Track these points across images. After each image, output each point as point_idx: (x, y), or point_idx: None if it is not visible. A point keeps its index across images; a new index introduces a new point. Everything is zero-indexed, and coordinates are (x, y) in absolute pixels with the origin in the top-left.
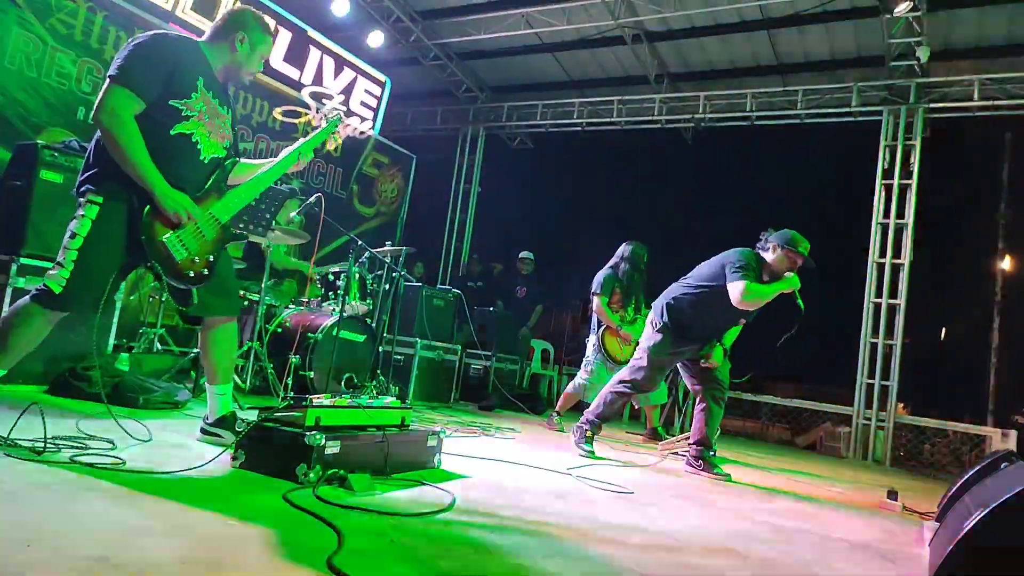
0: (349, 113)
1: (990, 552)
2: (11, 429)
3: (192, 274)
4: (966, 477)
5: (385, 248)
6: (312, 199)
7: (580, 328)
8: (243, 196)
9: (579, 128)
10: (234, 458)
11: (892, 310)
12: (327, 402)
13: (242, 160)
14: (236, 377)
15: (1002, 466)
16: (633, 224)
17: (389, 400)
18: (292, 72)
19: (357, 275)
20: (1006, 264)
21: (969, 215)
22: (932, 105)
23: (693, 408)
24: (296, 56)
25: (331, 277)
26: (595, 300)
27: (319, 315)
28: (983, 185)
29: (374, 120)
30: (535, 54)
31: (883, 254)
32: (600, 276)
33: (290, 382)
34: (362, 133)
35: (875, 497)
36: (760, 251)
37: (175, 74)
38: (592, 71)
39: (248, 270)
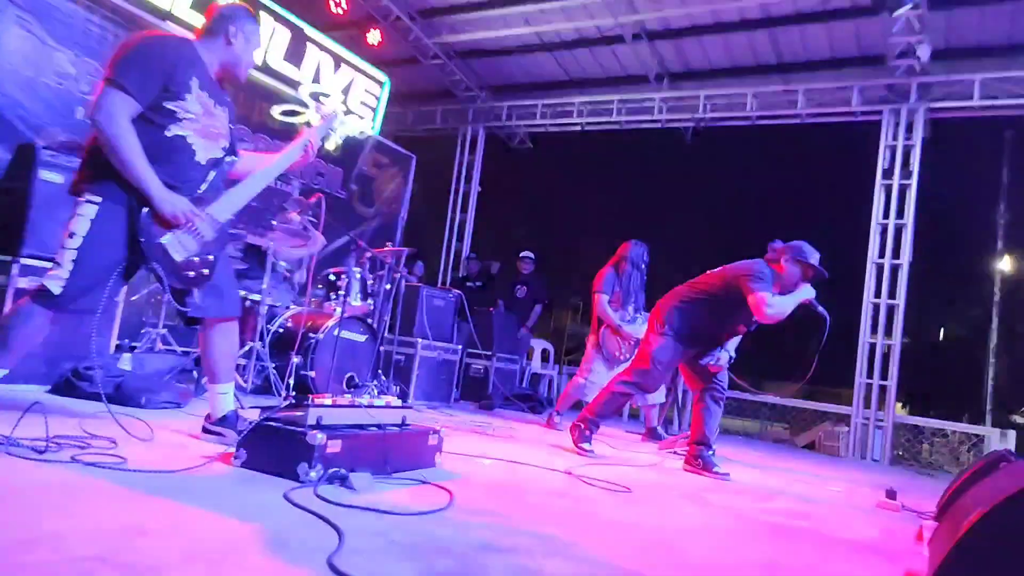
0: (348, 112)
1: (989, 552)
2: (13, 428)
3: (192, 274)
4: (965, 476)
5: (386, 248)
6: (313, 199)
7: (580, 327)
8: (241, 196)
9: (579, 128)
10: (235, 457)
11: (891, 310)
12: (328, 401)
13: (244, 154)
14: (238, 377)
15: (1000, 465)
16: (633, 223)
17: (390, 400)
18: (291, 71)
19: (358, 275)
20: (1006, 264)
21: (969, 215)
22: (933, 105)
23: (692, 407)
24: (295, 55)
25: (332, 277)
26: (596, 298)
27: (320, 315)
28: (983, 185)
29: (373, 119)
30: (535, 53)
31: (883, 254)
32: (601, 274)
33: (291, 382)
34: (362, 133)
35: (874, 497)
36: (770, 262)
37: (170, 76)
38: (592, 70)
39: (248, 270)
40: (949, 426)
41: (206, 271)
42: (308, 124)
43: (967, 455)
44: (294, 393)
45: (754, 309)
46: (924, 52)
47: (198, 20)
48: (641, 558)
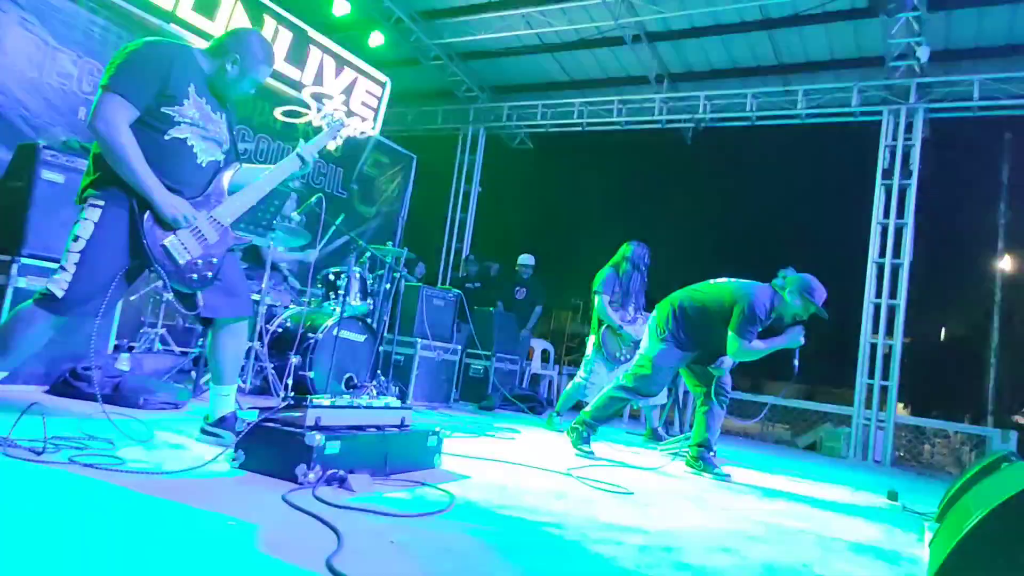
0: (350, 113)
1: (990, 553)
2: (11, 429)
3: (195, 278)
4: (966, 477)
5: (386, 249)
6: (313, 199)
7: (580, 327)
8: (246, 199)
9: (579, 128)
10: (234, 458)
11: (892, 310)
12: (327, 402)
13: (244, 166)
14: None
15: (1002, 466)
16: (633, 224)
17: (389, 400)
18: (292, 72)
19: (358, 275)
20: (1006, 264)
21: (969, 215)
22: (932, 105)
23: (694, 408)
24: (296, 56)
25: (331, 276)
26: (596, 299)
27: (319, 315)
28: (983, 185)
29: (374, 120)
30: (535, 54)
31: (883, 254)
32: (601, 275)
33: (290, 382)
34: (362, 133)
35: (875, 497)
36: (777, 289)
37: (167, 81)
38: (592, 71)
39: (248, 270)
40: (950, 427)
41: (209, 273)
42: (310, 125)
43: (969, 456)
44: (293, 394)
45: (728, 345)
46: (923, 53)
47: (201, 22)
48: (641, 558)
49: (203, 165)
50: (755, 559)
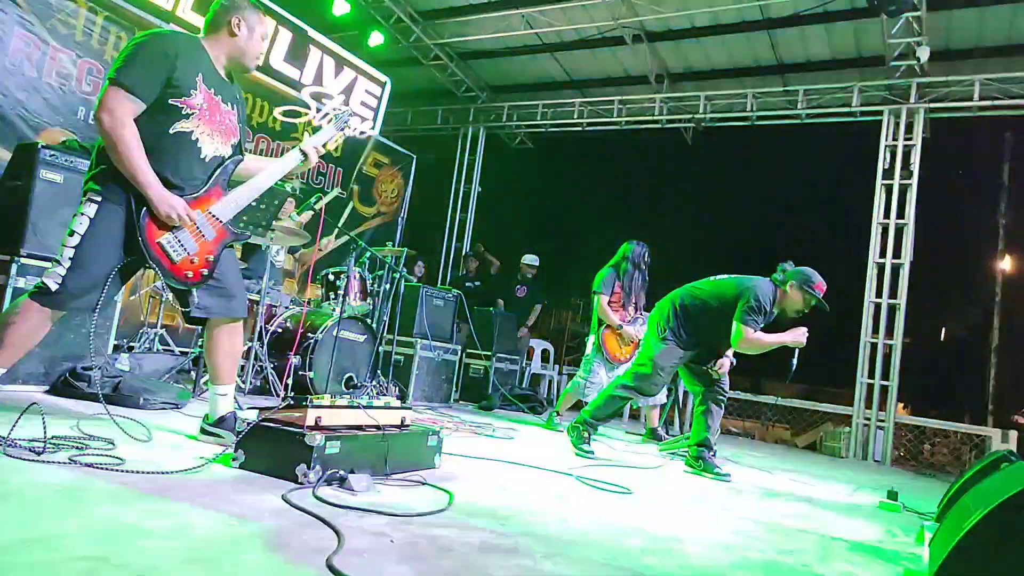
0: (351, 114)
1: (990, 552)
2: (11, 429)
3: (190, 275)
4: (966, 477)
5: (386, 249)
6: (312, 199)
7: (580, 327)
8: (244, 196)
9: (579, 128)
10: (234, 458)
11: (892, 310)
12: (327, 402)
13: (249, 156)
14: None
15: (1001, 466)
16: (633, 224)
17: (389, 400)
18: (292, 72)
19: (358, 275)
20: (1006, 264)
21: (969, 215)
22: (932, 105)
23: (693, 409)
24: (296, 56)
25: (331, 277)
26: (596, 298)
27: (319, 315)
28: (983, 185)
29: (374, 120)
30: (535, 54)
31: (883, 254)
32: (601, 274)
33: (290, 382)
34: (362, 133)
35: (875, 497)
36: (777, 283)
37: (173, 73)
38: (592, 71)
39: (246, 270)
40: (950, 426)
41: (205, 271)
42: (310, 125)
43: (969, 455)
44: (292, 394)
45: (733, 335)
46: (924, 53)
47: (201, 21)
48: (641, 558)
49: (206, 159)
50: (755, 559)
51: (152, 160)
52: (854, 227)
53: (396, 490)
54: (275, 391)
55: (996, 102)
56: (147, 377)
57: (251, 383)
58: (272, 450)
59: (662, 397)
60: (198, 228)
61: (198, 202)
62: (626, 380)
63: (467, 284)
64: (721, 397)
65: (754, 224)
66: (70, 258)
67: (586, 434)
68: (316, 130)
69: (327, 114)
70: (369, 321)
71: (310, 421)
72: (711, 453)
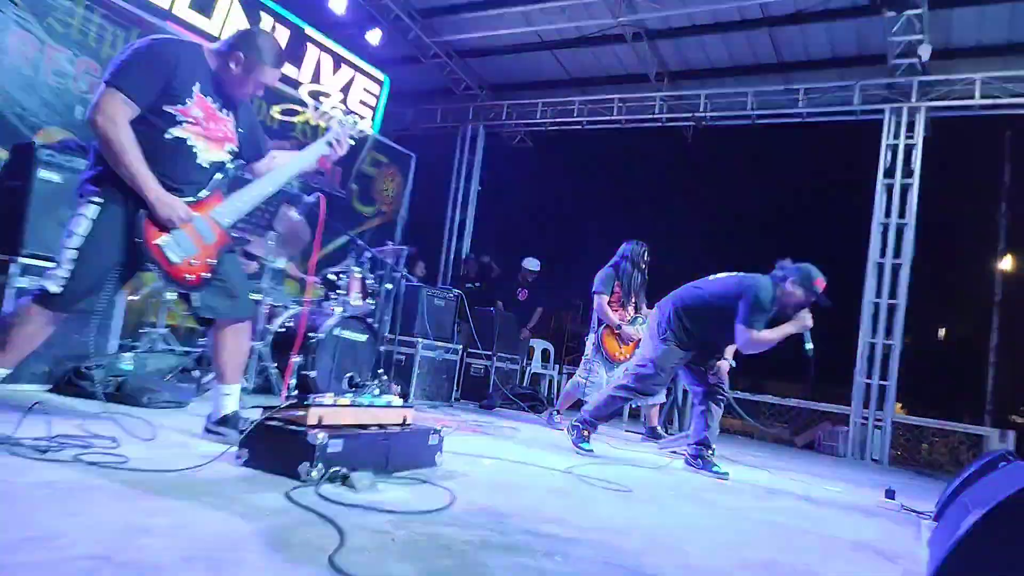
0: (348, 112)
1: (989, 552)
2: (16, 428)
3: (190, 278)
4: (964, 476)
5: (386, 248)
6: (312, 199)
7: (580, 327)
8: (247, 200)
9: (579, 126)
10: (238, 456)
11: (891, 310)
12: (329, 401)
13: (270, 152)
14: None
15: (1000, 465)
16: (633, 223)
17: (391, 399)
18: (290, 70)
19: (358, 275)
20: (1006, 264)
21: (969, 215)
22: (933, 104)
23: (693, 408)
24: (294, 54)
25: (331, 277)
26: (596, 298)
27: (321, 315)
28: (983, 185)
29: (373, 119)
30: (535, 52)
31: (883, 253)
32: (600, 274)
33: (292, 382)
34: (361, 132)
35: (873, 496)
36: (777, 281)
37: (170, 79)
38: (592, 69)
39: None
40: (949, 426)
41: (206, 275)
42: (308, 123)
43: (967, 455)
44: (295, 393)
45: (738, 337)
46: (925, 51)
47: (198, 20)
48: (641, 557)
49: (204, 165)
50: (754, 558)
51: (150, 164)
52: (854, 227)
53: (398, 488)
54: (278, 390)
55: (997, 100)
56: (150, 376)
57: (254, 382)
58: (275, 449)
59: (661, 396)
60: (198, 231)
61: (198, 206)
62: (627, 381)
63: (467, 285)
64: (721, 397)
65: (754, 223)
66: (71, 260)
67: (586, 433)
68: (316, 128)
69: (325, 112)
70: (370, 320)
71: (312, 420)
72: (710, 452)
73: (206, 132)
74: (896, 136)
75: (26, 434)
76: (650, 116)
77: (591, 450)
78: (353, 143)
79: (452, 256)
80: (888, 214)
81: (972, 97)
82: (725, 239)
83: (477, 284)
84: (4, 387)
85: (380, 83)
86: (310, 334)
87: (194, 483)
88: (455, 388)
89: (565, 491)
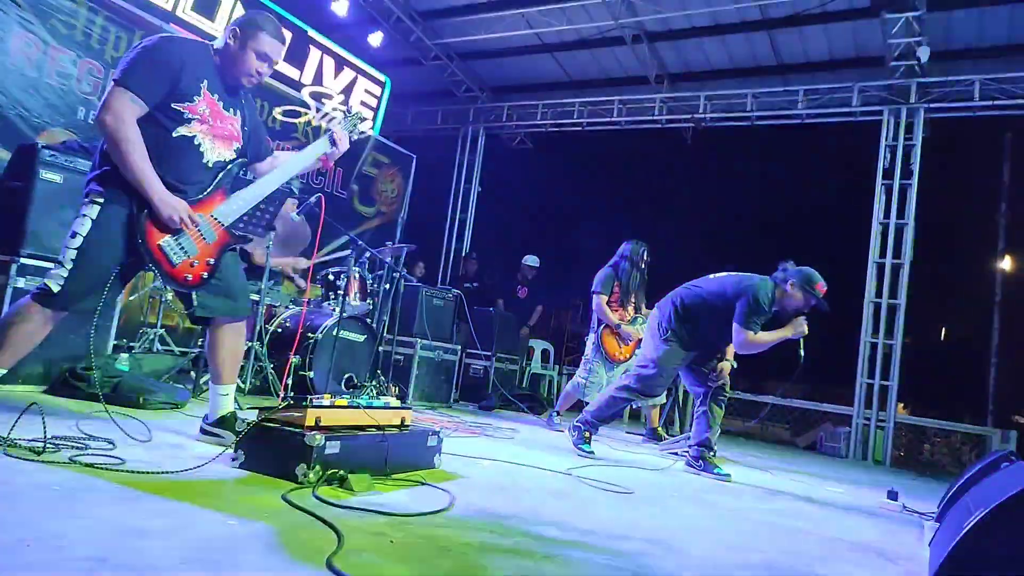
0: (349, 111)
1: (990, 552)
2: (11, 429)
3: (189, 278)
4: (966, 477)
5: (386, 248)
6: (312, 199)
7: (580, 327)
8: (249, 199)
9: (579, 128)
10: (234, 458)
11: (892, 310)
12: (327, 402)
13: (273, 153)
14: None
15: (1002, 466)
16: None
17: (389, 400)
18: (292, 72)
19: (357, 275)
20: (1006, 264)
21: (969, 215)
22: (932, 105)
23: (693, 408)
24: (296, 56)
25: (331, 277)
26: (595, 298)
27: (319, 315)
28: (983, 185)
29: (374, 120)
30: (535, 54)
31: (883, 254)
32: (600, 274)
33: (290, 382)
34: (362, 133)
35: (875, 497)
36: (778, 282)
37: (178, 77)
38: (592, 71)
39: (246, 270)
40: (951, 426)
41: (205, 274)
42: (309, 125)
43: (969, 455)
44: (292, 394)
45: (734, 338)
46: (924, 53)
47: (201, 21)
48: (642, 558)
49: (209, 164)
50: (755, 559)
51: (155, 163)
52: (854, 227)
53: (396, 490)
54: (275, 391)
55: (996, 102)
56: (147, 377)
57: (251, 383)
58: (272, 450)
59: (662, 397)
60: (199, 231)
61: (201, 205)
62: (630, 382)
63: (466, 285)
64: (721, 398)
65: (754, 224)
66: (72, 259)
67: (588, 434)
68: (317, 129)
69: (327, 114)
70: (369, 321)
71: (310, 421)
72: (712, 453)
73: (213, 130)
74: (895, 137)
75: (22, 435)
76: (650, 118)
77: (592, 451)
78: (361, 135)
79: (452, 257)
80: (888, 215)
81: (971, 98)
82: (725, 240)
83: (475, 284)
84: (0, 387)
85: (382, 85)
86: (308, 334)
87: (191, 484)
88: (454, 389)
89: (565, 493)
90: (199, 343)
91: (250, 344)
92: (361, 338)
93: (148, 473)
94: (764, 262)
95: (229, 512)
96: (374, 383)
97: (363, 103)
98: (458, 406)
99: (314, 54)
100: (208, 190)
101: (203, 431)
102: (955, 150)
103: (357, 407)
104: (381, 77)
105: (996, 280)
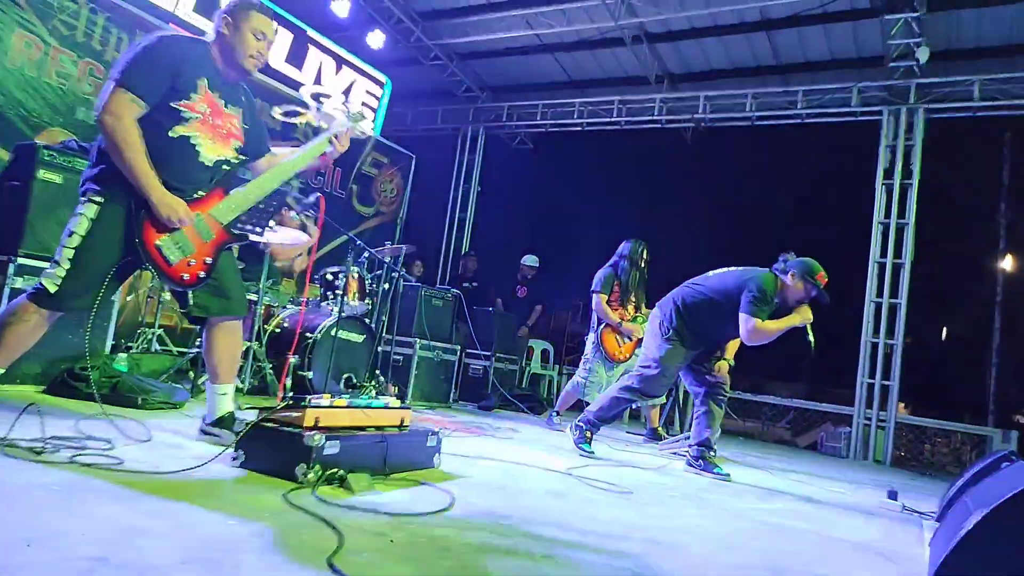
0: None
1: (991, 552)
2: (10, 429)
3: (186, 277)
4: (966, 477)
5: (384, 248)
6: (312, 199)
7: (580, 327)
8: (248, 198)
9: (579, 128)
10: (233, 458)
11: (893, 310)
12: (326, 402)
13: (271, 150)
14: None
15: (1002, 466)
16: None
17: (388, 400)
18: (292, 72)
19: (356, 274)
20: (1006, 264)
21: (969, 215)
22: (932, 106)
23: (693, 408)
24: (296, 56)
25: (329, 276)
26: (595, 298)
27: (318, 315)
28: (983, 185)
29: (374, 120)
30: (535, 54)
31: (884, 254)
32: (600, 274)
33: (289, 382)
34: (362, 133)
35: (875, 497)
36: (778, 274)
37: (176, 75)
38: (592, 71)
39: (246, 270)
40: (951, 426)
41: (201, 273)
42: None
43: (969, 455)
44: (291, 394)
45: (742, 327)
46: (923, 54)
47: (201, 22)
48: (642, 558)
49: (208, 163)
50: (755, 559)
51: (154, 164)
52: (855, 227)
53: (395, 490)
54: (274, 391)
55: (996, 102)
56: (145, 377)
57: (250, 383)
58: (271, 450)
59: (662, 397)
60: (197, 230)
61: (198, 204)
62: (632, 382)
63: (464, 284)
64: (721, 397)
65: (754, 224)
66: (69, 259)
67: (589, 434)
68: (317, 130)
69: (327, 113)
70: (368, 321)
71: (309, 421)
72: (712, 453)
73: (212, 129)
74: (895, 138)
75: (21, 435)
76: (650, 118)
77: (592, 451)
78: (361, 134)
79: (451, 256)
80: (888, 215)
81: (971, 99)
82: (725, 240)
83: (475, 284)
84: None
85: (382, 85)
86: (307, 334)
87: (191, 485)
88: (453, 389)
89: (565, 493)
90: (197, 343)
91: (248, 344)
92: (360, 338)
93: (147, 473)
94: (764, 262)
95: (229, 512)
96: (373, 383)
97: (363, 103)
98: (457, 406)
99: (314, 54)
100: (206, 189)
101: (202, 431)
102: (955, 150)
103: (356, 407)
104: (381, 77)
105: (996, 280)
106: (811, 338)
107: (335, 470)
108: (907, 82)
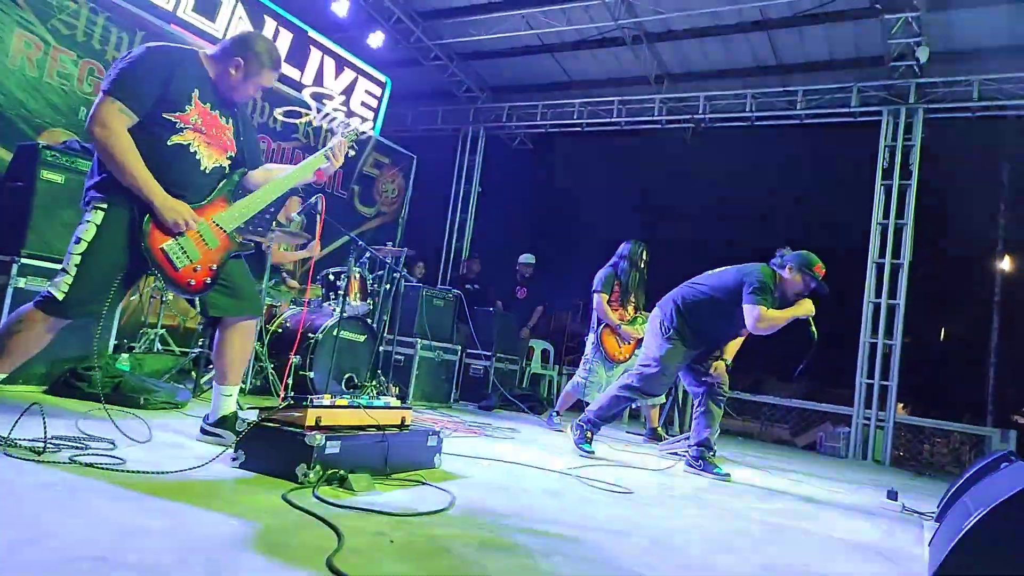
0: (350, 113)
1: (990, 552)
2: (11, 429)
3: (192, 283)
4: (966, 477)
5: (386, 248)
6: (313, 199)
7: (580, 327)
8: (251, 206)
9: (579, 128)
10: (234, 458)
11: (892, 310)
12: (327, 402)
13: (265, 165)
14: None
15: (1002, 466)
16: (633, 224)
17: (389, 400)
18: (293, 73)
19: (358, 275)
20: (1006, 264)
21: (968, 215)
22: (931, 106)
23: (692, 408)
24: (297, 57)
25: (331, 277)
26: (595, 297)
27: (319, 315)
28: (982, 185)
29: (374, 120)
30: (535, 55)
31: (883, 254)
32: (600, 274)
33: (290, 382)
34: (363, 133)
35: (875, 497)
36: (776, 268)
37: (168, 87)
38: (592, 71)
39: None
40: (950, 426)
41: (208, 280)
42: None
43: (968, 455)
44: (293, 394)
45: (748, 317)
46: (923, 54)
47: (202, 22)
48: (641, 558)
49: (207, 171)
50: (755, 559)
51: (152, 171)
52: (854, 227)
53: (396, 490)
54: (275, 391)
55: (995, 102)
56: (148, 377)
57: (251, 383)
58: (272, 450)
59: (662, 397)
60: (202, 236)
61: (202, 211)
62: (632, 381)
63: (466, 286)
64: (720, 397)
65: (753, 224)
66: (76, 265)
67: (589, 433)
68: (317, 130)
69: (327, 114)
70: (369, 321)
71: (310, 421)
72: (711, 453)
73: (207, 138)
74: (894, 138)
75: (23, 435)
76: (650, 118)
77: (592, 451)
78: (353, 153)
79: (452, 257)
80: (887, 215)
81: (970, 99)
82: (724, 240)
83: (476, 286)
84: (0, 388)
85: (382, 85)
86: (308, 334)
87: (191, 485)
88: (454, 389)
89: (565, 493)
90: (200, 343)
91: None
92: (361, 338)
93: (148, 473)
94: (763, 262)
95: (229, 512)
96: (374, 383)
97: (363, 104)
98: (458, 406)
99: (315, 55)
100: (209, 196)
101: (204, 431)
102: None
103: (357, 407)
104: (381, 77)
105: (995, 280)
106: (814, 329)
107: (336, 470)
108: (907, 82)
